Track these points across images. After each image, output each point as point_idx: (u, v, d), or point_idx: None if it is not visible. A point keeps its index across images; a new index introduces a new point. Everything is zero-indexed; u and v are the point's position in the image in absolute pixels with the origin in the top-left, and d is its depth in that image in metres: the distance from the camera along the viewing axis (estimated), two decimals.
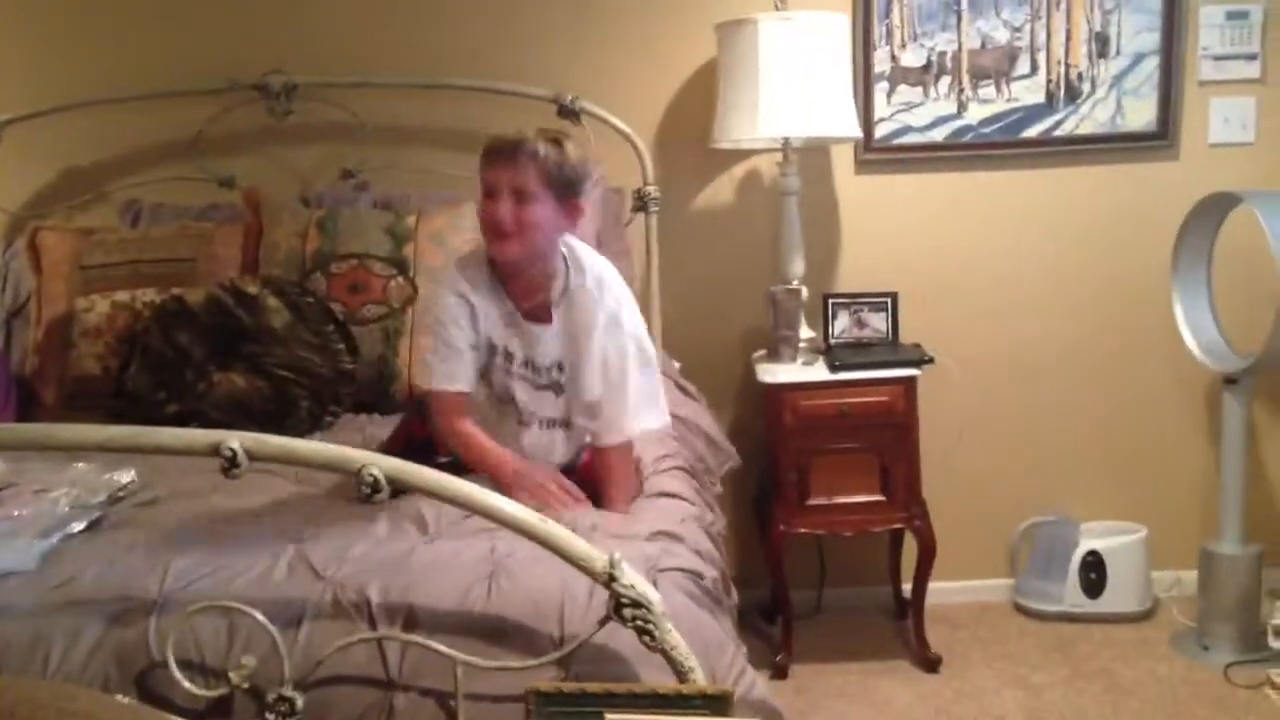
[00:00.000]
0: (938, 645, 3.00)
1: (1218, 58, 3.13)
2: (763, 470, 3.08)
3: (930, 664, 2.96)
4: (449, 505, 1.53)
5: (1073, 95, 3.17)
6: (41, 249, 2.92)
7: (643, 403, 2.06)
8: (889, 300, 3.09)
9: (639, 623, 1.41)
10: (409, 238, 2.79)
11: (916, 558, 2.98)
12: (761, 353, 3.11)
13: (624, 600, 1.41)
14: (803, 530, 2.94)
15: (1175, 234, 3.04)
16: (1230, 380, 2.96)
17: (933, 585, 3.00)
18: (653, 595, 1.43)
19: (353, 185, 3.13)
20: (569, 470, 2.14)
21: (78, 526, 1.87)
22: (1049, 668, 2.95)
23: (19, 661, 1.51)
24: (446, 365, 2.04)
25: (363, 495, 1.43)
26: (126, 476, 2.10)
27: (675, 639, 1.43)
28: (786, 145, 2.99)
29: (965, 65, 3.17)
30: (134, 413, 2.52)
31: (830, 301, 3.11)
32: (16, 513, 1.90)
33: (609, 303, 2.04)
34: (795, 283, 3.03)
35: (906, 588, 3.14)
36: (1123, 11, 3.13)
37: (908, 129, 3.19)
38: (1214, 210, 2.99)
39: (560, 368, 2.07)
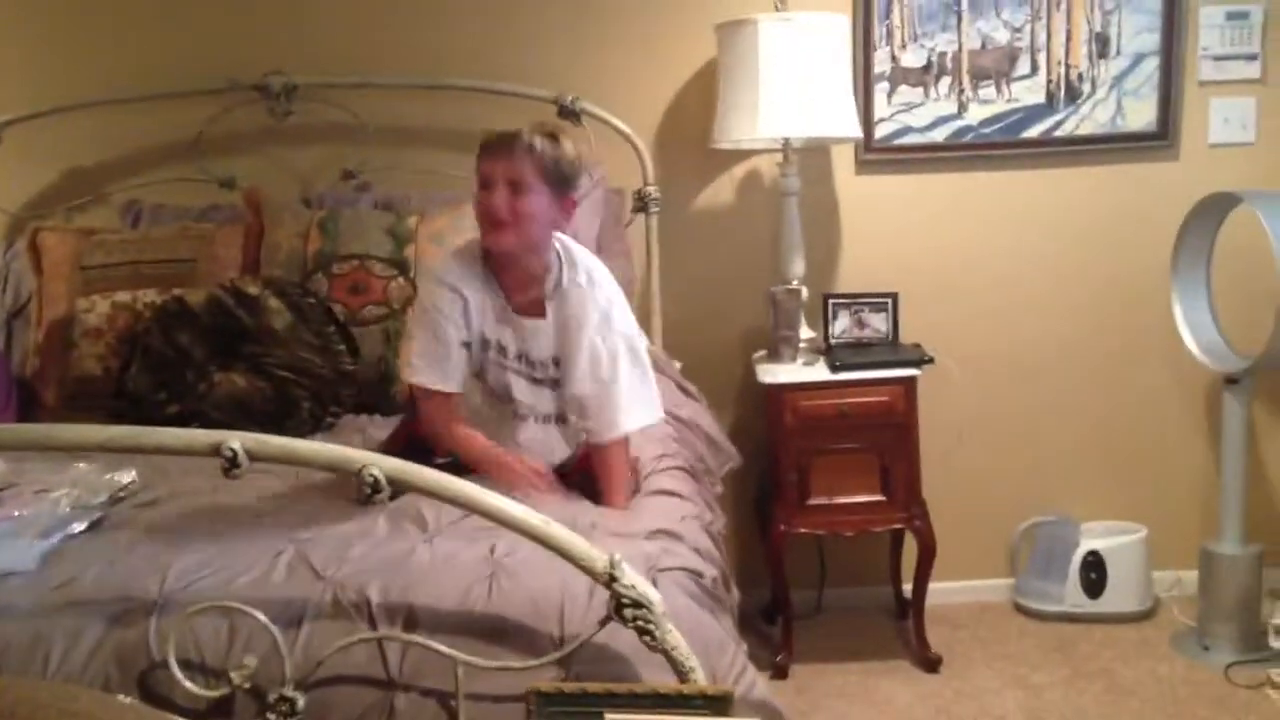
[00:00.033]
0: (938, 645, 3.00)
1: (1218, 58, 3.14)
2: (763, 470, 3.08)
3: (931, 664, 2.96)
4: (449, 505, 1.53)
5: (1073, 96, 3.17)
6: (42, 250, 2.92)
7: (635, 400, 2.07)
8: (889, 300, 3.09)
9: (640, 623, 1.41)
10: (410, 239, 2.79)
11: (917, 558, 2.98)
12: (762, 353, 3.11)
13: (625, 600, 1.41)
14: (803, 530, 2.94)
15: (1175, 234, 3.04)
16: (1231, 380, 2.96)
17: (933, 585, 3.00)
18: (653, 595, 1.43)
19: (354, 186, 3.13)
20: (565, 467, 2.15)
21: (78, 527, 1.87)
22: (1049, 668, 2.95)
23: (19, 662, 1.51)
24: (436, 363, 2.06)
25: (363, 496, 1.44)
26: (127, 477, 2.10)
27: (676, 639, 1.43)
28: (787, 145, 3.00)
29: (965, 66, 3.17)
30: (135, 413, 2.52)
31: (830, 302, 3.11)
32: (17, 513, 1.90)
33: (600, 300, 2.06)
34: (795, 283, 3.03)
35: (907, 588, 3.14)
36: (1123, 12, 3.13)
37: (908, 129, 3.20)
38: (1214, 210, 2.99)
39: (556, 363, 2.08)
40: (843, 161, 3.23)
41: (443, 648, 1.46)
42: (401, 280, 2.73)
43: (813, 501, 2.92)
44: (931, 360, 2.97)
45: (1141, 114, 3.16)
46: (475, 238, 2.10)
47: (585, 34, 3.15)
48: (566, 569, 1.45)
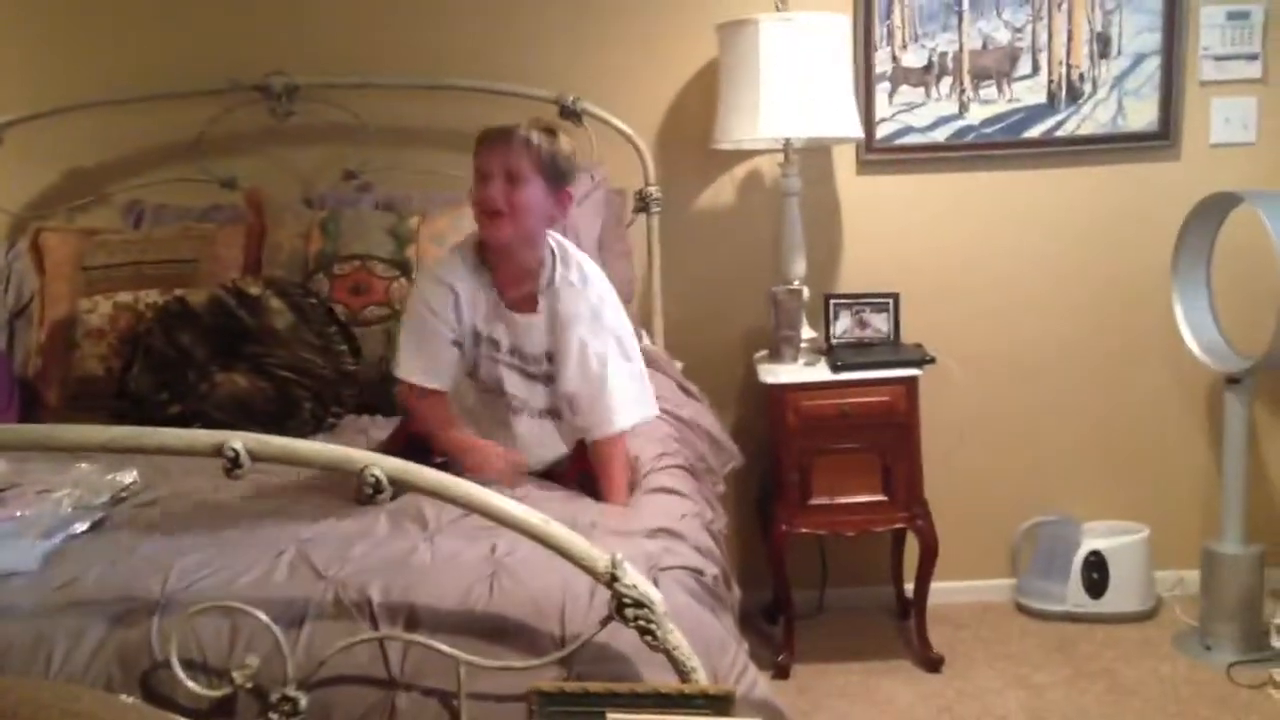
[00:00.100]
0: (940, 645, 3.00)
1: (1219, 58, 3.14)
2: (765, 470, 3.09)
3: (932, 664, 2.96)
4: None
5: (1074, 95, 3.17)
6: (44, 250, 2.92)
7: (628, 397, 2.09)
8: (890, 300, 3.09)
9: (641, 623, 1.41)
10: (411, 239, 2.79)
11: (918, 558, 2.98)
12: (763, 353, 3.11)
13: (626, 600, 1.41)
14: (805, 530, 2.94)
15: (1176, 234, 3.04)
16: (1232, 380, 2.96)
17: (935, 585, 3.00)
18: (655, 595, 1.43)
19: (355, 186, 3.13)
20: (560, 464, 2.16)
21: (80, 527, 1.87)
22: (1051, 668, 2.95)
23: (21, 662, 1.51)
24: (424, 360, 2.09)
25: (364, 496, 1.44)
26: (129, 477, 2.10)
27: (677, 639, 1.43)
28: (788, 146, 3.00)
29: (966, 66, 3.17)
30: (136, 413, 2.52)
31: (832, 302, 3.11)
32: (19, 513, 1.90)
33: (592, 298, 2.08)
34: (797, 283, 3.03)
35: (908, 588, 3.14)
36: (1124, 12, 3.13)
37: (909, 129, 3.20)
38: (1214, 210, 2.99)
39: (549, 358, 2.10)
40: (844, 162, 3.23)
41: (444, 647, 1.46)
42: (403, 281, 2.73)
43: (814, 501, 2.92)
44: (933, 360, 2.97)
45: (1143, 114, 3.16)
46: (472, 233, 2.12)
47: (586, 34, 3.15)
48: (567, 568, 1.45)
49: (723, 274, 3.24)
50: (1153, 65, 3.14)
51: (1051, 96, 3.18)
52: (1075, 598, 3.18)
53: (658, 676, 1.45)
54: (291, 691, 1.46)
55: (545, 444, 2.15)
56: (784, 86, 2.84)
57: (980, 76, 3.18)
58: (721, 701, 1.40)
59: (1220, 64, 3.14)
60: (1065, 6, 3.14)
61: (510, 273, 2.09)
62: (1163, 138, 3.17)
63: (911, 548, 3.09)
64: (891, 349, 3.04)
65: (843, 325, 3.11)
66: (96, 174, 3.19)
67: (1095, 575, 3.16)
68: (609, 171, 3.05)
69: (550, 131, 2.03)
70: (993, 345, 3.27)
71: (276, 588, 1.61)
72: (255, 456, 1.44)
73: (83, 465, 2.13)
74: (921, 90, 3.18)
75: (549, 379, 2.12)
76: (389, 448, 2.19)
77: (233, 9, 3.14)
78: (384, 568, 1.64)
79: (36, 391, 2.78)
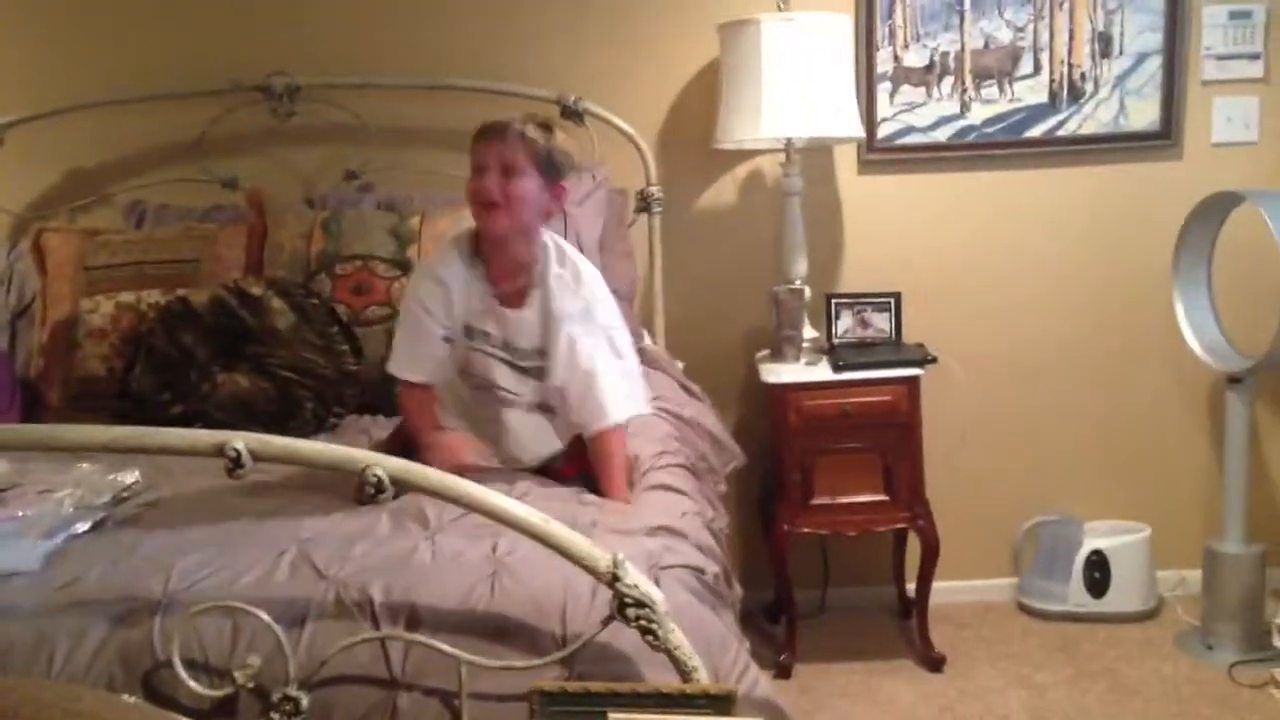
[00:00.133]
0: (942, 645, 3.00)
1: (1220, 57, 3.13)
2: (766, 470, 3.09)
3: (934, 664, 2.96)
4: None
5: (1076, 95, 3.17)
6: (46, 250, 2.92)
7: (619, 393, 2.10)
8: (892, 300, 3.09)
9: (642, 623, 1.41)
10: (413, 239, 2.79)
11: (920, 557, 2.98)
12: (765, 353, 3.11)
13: (627, 600, 1.41)
14: (806, 530, 2.94)
15: (1178, 234, 3.04)
16: (1234, 379, 2.96)
17: (936, 585, 3.00)
18: (656, 595, 1.43)
19: (356, 186, 3.13)
20: (555, 460, 2.17)
21: (82, 527, 1.87)
22: (1053, 667, 2.95)
23: (23, 662, 1.51)
24: (411, 353, 2.14)
25: (366, 496, 1.44)
26: (130, 477, 2.10)
27: (679, 639, 1.43)
28: (789, 145, 3.00)
29: (968, 65, 3.17)
30: (138, 413, 2.53)
31: (833, 301, 3.11)
32: (21, 513, 1.90)
33: (584, 295, 2.10)
34: (798, 283, 3.03)
35: (910, 587, 3.14)
36: (1125, 11, 3.13)
37: (910, 129, 3.20)
38: (1215, 210, 2.99)
39: (541, 353, 2.11)
40: (845, 161, 3.23)
41: (446, 647, 1.47)
42: (405, 281, 2.73)
43: (816, 501, 2.92)
44: (935, 360, 2.96)
45: (1144, 113, 3.16)
46: (469, 228, 2.14)
47: (587, 34, 3.15)
48: (569, 567, 1.45)
49: (724, 274, 3.24)
50: (1154, 65, 3.14)
51: (1053, 96, 3.17)
52: (1077, 597, 3.18)
53: (659, 676, 1.45)
54: (293, 691, 1.46)
55: (537, 438, 2.16)
56: (785, 86, 2.84)
57: (982, 76, 3.18)
58: (723, 701, 1.40)
59: (1222, 63, 3.14)
60: (1067, 6, 3.14)
61: (504, 266, 2.10)
62: (1164, 137, 3.17)
63: (913, 547, 3.09)
64: (893, 349, 3.04)
65: (844, 325, 3.11)
66: (98, 174, 3.19)
67: (1097, 575, 3.16)
68: (610, 171, 3.05)
69: (546, 126, 2.06)
70: (994, 345, 3.27)
71: (278, 587, 1.61)
72: (257, 456, 1.44)
73: (84, 465, 2.13)
74: (923, 90, 3.18)
75: (540, 373, 2.13)
76: (389, 447, 2.20)
77: (234, 9, 3.14)
78: (385, 567, 1.64)
79: (38, 392, 2.79)
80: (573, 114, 3.05)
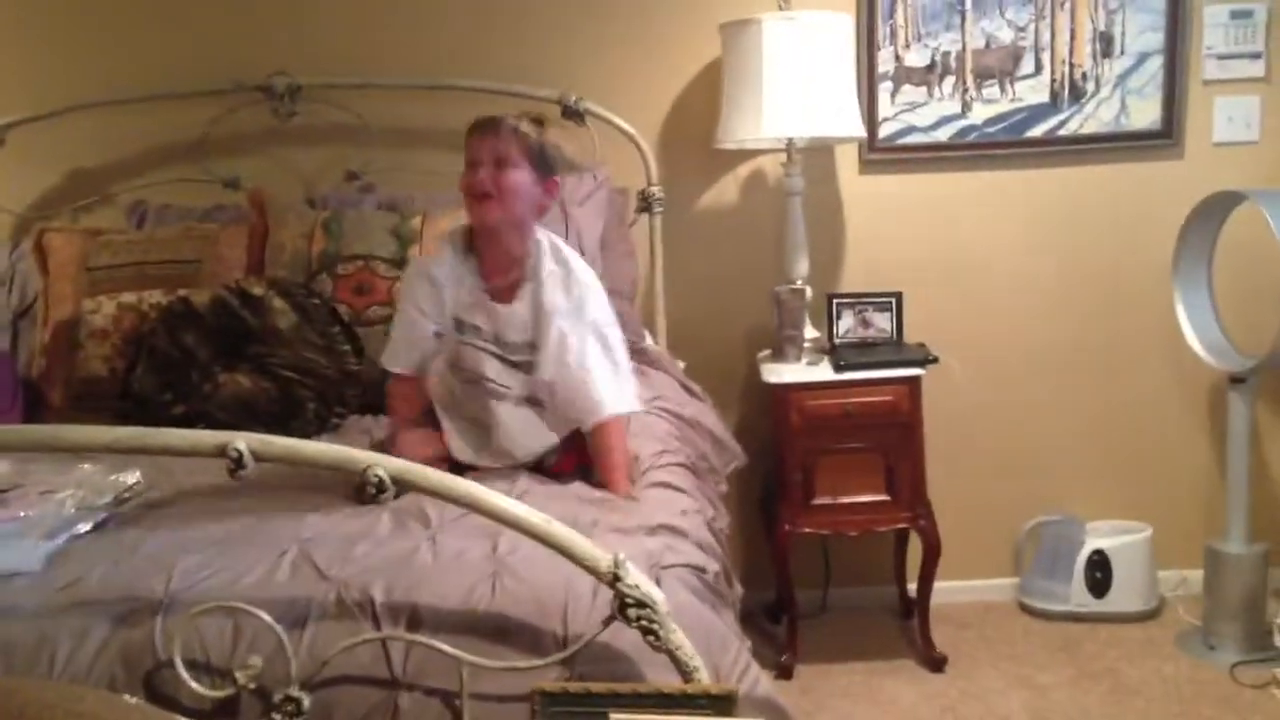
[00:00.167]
0: (943, 645, 3.00)
1: (1222, 57, 3.13)
2: (768, 470, 3.09)
3: (936, 664, 2.96)
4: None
5: (1077, 95, 3.17)
6: (48, 250, 2.92)
7: (613, 385, 2.12)
8: (893, 300, 3.09)
9: (643, 623, 1.41)
10: (414, 239, 2.79)
11: (921, 557, 2.98)
12: (766, 352, 3.11)
13: (629, 601, 1.41)
14: (808, 530, 2.94)
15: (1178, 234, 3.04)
16: (1236, 379, 2.95)
17: (938, 585, 3.00)
18: (657, 595, 1.43)
19: (357, 187, 3.13)
20: (550, 457, 2.17)
21: (84, 527, 1.87)
22: (1054, 667, 2.95)
23: (25, 662, 1.51)
24: (398, 345, 2.21)
25: (367, 496, 1.44)
26: (132, 477, 2.10)
27: (680, 639, 1.43)
28: (790, 145, 3.00)
29: (969, 65, 3.17)
30: (140, 414, 2.53)
31: (835, 301, 3.11)
32: (23, 514, 1.90)
33: (575, 291, 2.11)
34: (800, 282, 3.03)
35: (912, 587, 3.14)
36: (1127, 11, 3.13)
37: (912, 129, 3.20)
38: (1216, 209, 2.98)
39: (531, 347, 2.12)
40: (846, 161, 3.23)
41: (447, 648, 1.47)
42: None
43: (817, 501, 2.92)
44: (936, 360, 2.96)
45: (1146, 113, 3.16)
46: (464, 224, 2.16)
47: (588, 34, 3.15)
48: (569, 566, 1.45)
49: (725, 273, 3.24)
50: (1156, 64, 3.14)
51: (1054, 96, 3.17)
52: (1078, 597, 3.18)
53: (660, 676, 1.45)
54: (294, 692, 1.46)
55: (527, 432, 2.16)
56: (787, 86, 2.84)
57: (983, 76, 3.18)
58: (724, 702, 1.40)
59: (1223, 63, 3.14)
60: (1068, 5, 3.14)
61: (496, 259, 2.12)
62: (1166, 137, 3.17)
63: (915, 547, 3.09)
64: (894, 348, 3.04)
65: (846, 324, 3.11)
66: (100, 174, 3.19)
67: (1098, 575, 3.16)
68: (611, 171, 3.05)
69: (539, 122, 2.10)
70: (996, 344, 3.27)
71: (279, 588, 1.61)
72: (259, 457, 1.45)
73: (86, 466, 2.13)
74: (924, 89, 3.18)
75: (530, 367, 2.14)
76: (388, 446, 2.20)
77: (235, 9, 3.14)
78: (386, 567, 1.64)
79: (40, 392, 2.79)
80: (574, 114, 3.05)
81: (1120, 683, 2.86)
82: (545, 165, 2.09)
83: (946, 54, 3.17)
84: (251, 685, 1.47)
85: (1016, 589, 3.33)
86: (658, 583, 1.52)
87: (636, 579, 1.42)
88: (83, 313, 2.76)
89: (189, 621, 1.50)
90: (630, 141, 3.07)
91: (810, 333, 3.07)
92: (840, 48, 2.92)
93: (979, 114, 3.19)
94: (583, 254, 2.73)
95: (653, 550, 1.71)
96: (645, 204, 3.12)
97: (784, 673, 2.94)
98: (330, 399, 2.60)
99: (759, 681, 1.56)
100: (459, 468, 2.10)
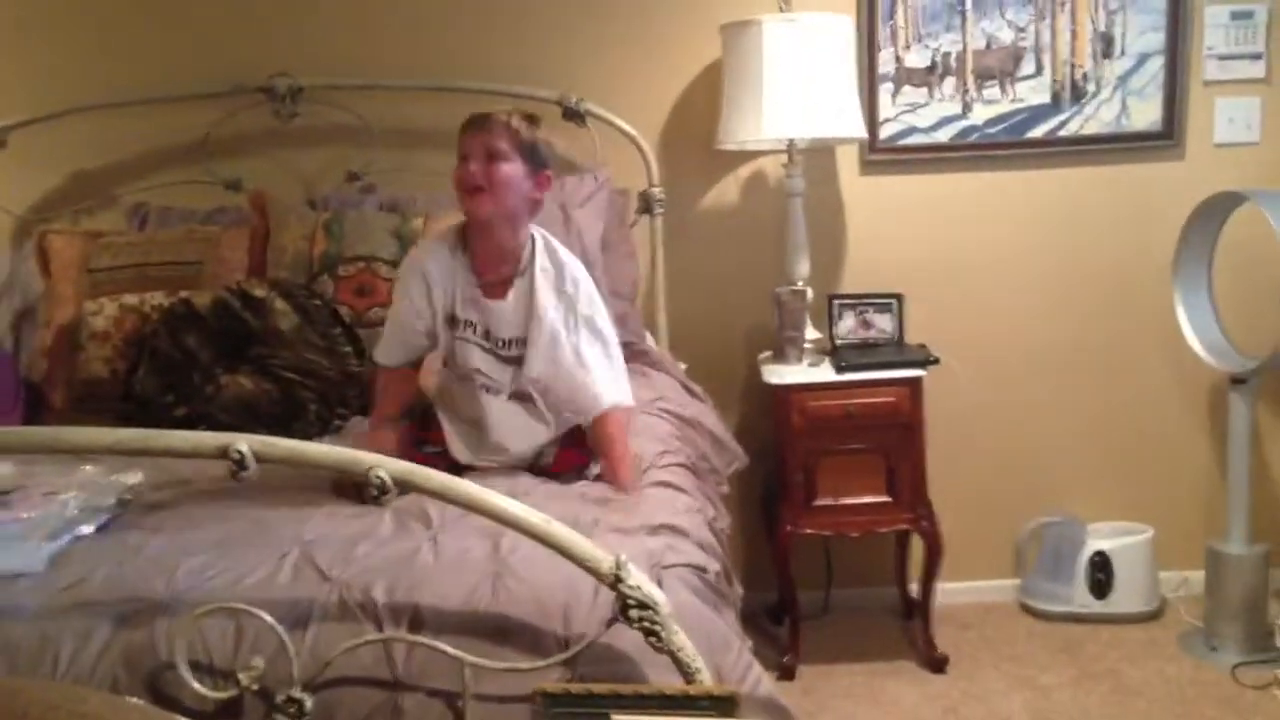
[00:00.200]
0: (945, 646, 3.00)
1: (1223, 57, 3.13)
2: (769, 471, 3.09)
3: (937, 665, 2.96)
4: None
5: (1078, 95, 3.17)
6: (50, 252, 2.92)
7: (609, 377, 2.14)
8: (894, 301, 3.09)
9: (645, 624, 1.42)
10: (415, 240, 2.79)
11: (923, 558, 2.98)
12: (767, 354, 3.11)
13: (630, 602, 1.41)
14: (809, 531, 2.94)
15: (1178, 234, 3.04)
16: (1237, 380, 2.95)
17: (940, 586, 3.01)
18: (659, 596, 1.43)
19: (359, 188, 3.13)
20: (546, 455, 2.18)
21: (86, 529, 1.88)
22: (1056, 668, 2.94)
23: (28, 663, 1.51)
24: (388, 340, 2.25)
25: (370, 497, 1.45)
26: (134, 479, 2.10)
27: (682, 640, 1.43)
28: (791, 146, 3.00)
29: (970, 66, 3.17)
30: (142, 416, 2.53)
31: (836, 302, 3.11)
32: (25, 515, 1.90)
33: (567, 287, 2.13)
34: (800, 283, 3.03)
35: (913, 588, 3.15)
36: (1127, 12, 3.13)
37: (912, 130, 3.20)
38: (1216, 210, 2.98)
39: (522, 342, 2.14)
40: (847, 162, 3.23)
41: (449, 649, 1.47)
42: None
43: (819, 502, 2.92)
44: (937, 361, 2.96)
45: (1146, 114, 3.16)
46: (459, 221, 2.18)
47: (590, 35, 3.15)
48: (571, 567, 1.45)
49: (726, 274, 3.24)
50: (1156, 65, 3.14)
51: (1055, 96, 3.17)
52: (1080, 598, 3.18)
53: (662, 677, 1.46)
54: (297, 693, 1.46)
55: (519, 428, 2.17)
56: (787, 87, 2.84)
57: (984, 76, 3.18)
58: (726, 703, 1.40)
59: (1224, 64, 3.14)
60: (1069, 6, 3.14)
61: (489, 254, 2.14)
62: (1167, 137, 3.17)
63: (916, 548, 3.09)
64: (896, 349, 3.04)
65: (847, 326, 3.11)
66: (101, 176, 3.19)
67: (1100, 576, 3.16)
68: (612, 172, 3.05)
69: (530, 118, 2.11)
70: (997, 345, 3.27)
71: (281, 589, 1.61)
72: (261, 458, 1.45)
73: (88, 467, 2.13)
74: (925, 90, 3.18)
75: (521, 362, 2.16)
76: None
77: (237, 11, 3.14)
78: (387, 568, 1.64)
79: (42, 394, 2.79)
80: (575, 115, 3.05)
81: (1122, 684, 2.86)
82: (537, 159, 2.10)
83: (947, 55, 3.17)
84: (254, 686, 1.47)
85: (1018, 590, 3.33)
86: (659, 583, 1.53)
87: (638, 580, 1.42)
88: (84, 314, 2.76)
89: (191, 623, 1.50)
90: (631, 142, 3.07)
91: (811, 334, 3.07)
92: (841, 49, 2.92)
93: (980, 115, 3.19)
94: (584, 255, 2.74)
95: (654, 550, 1.71)
96: (646, 205, 3.12)
97: (786, 674, 2.94)
98: (332, 400, 2.60)
99: (761, 682, 1.57)
100: (458, 468, 2.11)
